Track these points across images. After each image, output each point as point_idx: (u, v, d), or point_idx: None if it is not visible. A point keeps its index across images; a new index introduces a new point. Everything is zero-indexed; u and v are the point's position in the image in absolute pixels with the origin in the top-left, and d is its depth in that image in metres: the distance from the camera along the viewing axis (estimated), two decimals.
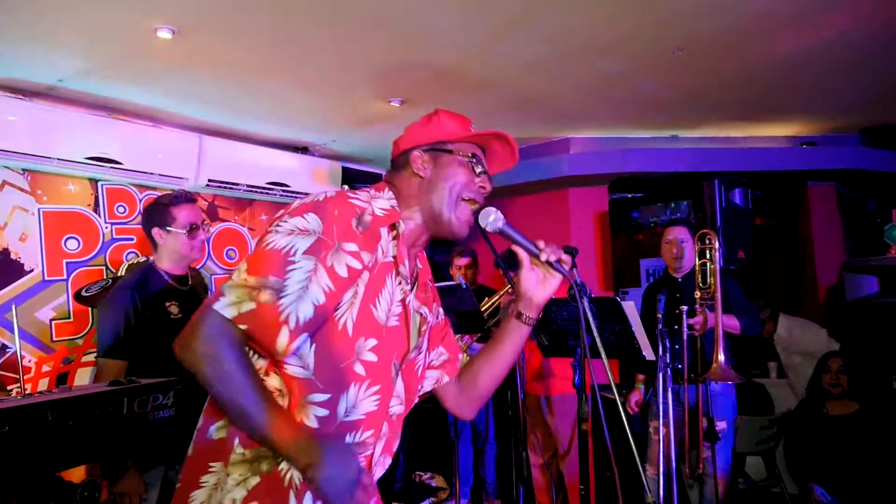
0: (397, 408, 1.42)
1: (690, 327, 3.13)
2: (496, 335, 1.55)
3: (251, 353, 1.27)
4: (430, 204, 1.43)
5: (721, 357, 3.05)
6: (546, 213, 5.45)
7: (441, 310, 1.61)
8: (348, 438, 1.30)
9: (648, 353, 2.98)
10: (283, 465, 1.23)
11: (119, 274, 3.92)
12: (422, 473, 4.72)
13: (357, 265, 1.26)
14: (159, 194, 4.48)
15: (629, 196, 6.38)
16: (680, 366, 3.17)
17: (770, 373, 4.99)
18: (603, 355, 2.01)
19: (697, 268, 3.25)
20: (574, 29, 3.24)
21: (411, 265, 1.45)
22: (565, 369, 3.81)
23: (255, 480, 1.23)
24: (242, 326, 1.18)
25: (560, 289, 1.51)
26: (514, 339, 1.53)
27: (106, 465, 2.37)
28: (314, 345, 1.26)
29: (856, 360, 3.93)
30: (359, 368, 1.29)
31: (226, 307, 1.18)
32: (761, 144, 5.21)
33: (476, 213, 1.45)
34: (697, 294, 3.21)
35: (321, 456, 1.19)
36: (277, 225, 1.26)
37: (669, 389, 3.11)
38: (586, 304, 2.58)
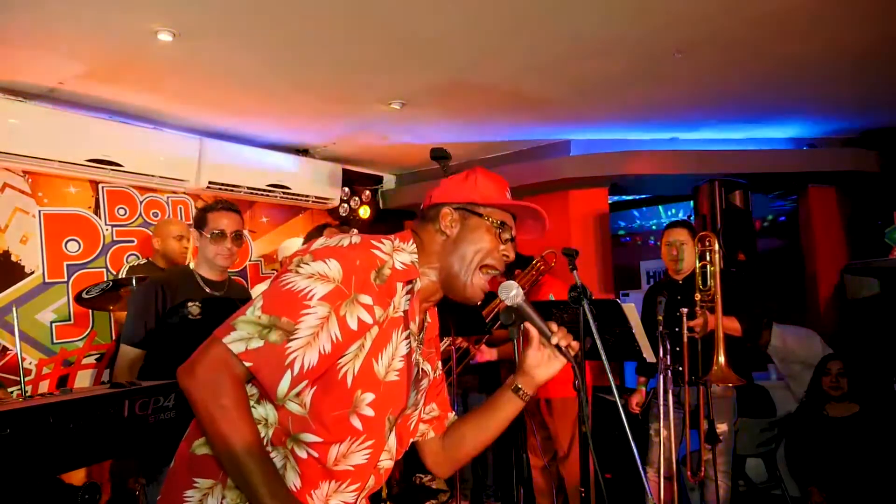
0: (386, 462, 1.41)
1: (691, 329, 3.13)
2: (489, 404, 1.53)
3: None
4: (451, 264, 1.41)
5: (721, 359, 3.04)
6: (546, 215, 5.45)
7: (440, 364, 1.60)
8: (332, 487, 1.30)
9: (649, 356, 2.98)
10: None
11: (120, 276, 3.92)
12: (422, 476, 4.72)
13: (368, 319, 1.26)
14: (160, 196, 4.53)
15: (630, 198, 6.40)
16: (681, 368, 3.17)
17: (770, 375, 4.99)
18: (604, 357, 2.01)
19: (698, 270, 3.25)
20: (574, 32, 3.24)
21: (420, 319, 1.43)
22: (565, 372, 3.81)
23: None
24: (247, 364, 1.17)
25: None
26: (506, 411, 1.51)
27: (113, 467, 2.44)
28: (314, 388, 1.26)
29: (856, 362, 3.93)
30: (355, 421, 1.29)
31: (234, 341, 1.18)
32: (761, 146, 5.21)
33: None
34: (698, 296, 3.21)
35: None
36: (299, 266, 1.24)
37: (670, 391, 3.10)
38: (587, 306, 2.58)
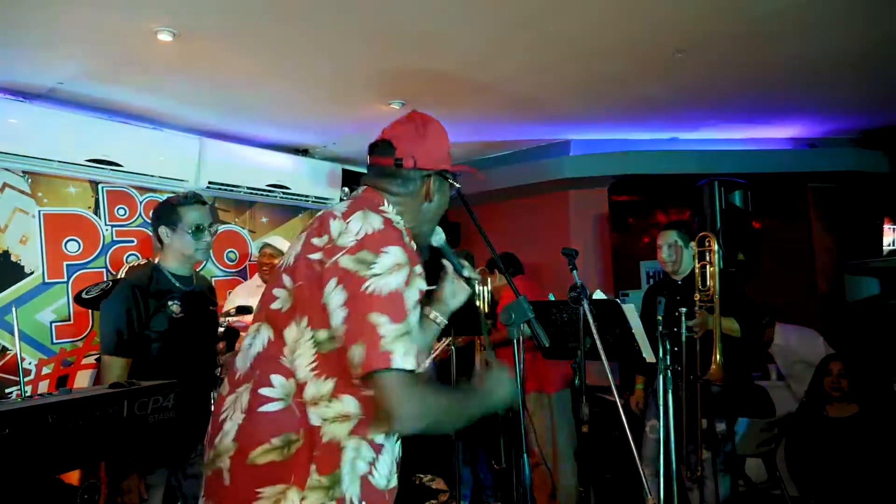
0: None
1: (689, 329, 3.13)
2: None
3: (323, 376, 1.32)
4: (422, 223, 1.57)
5: (720, 358, 3.04)
6: (546, 215, 5.46)
7: None
8: (396, 453, 1.45)
9: (649, 355, 2.98)
10: (345, 489, 1.30)
11: (119, 276, 3.91)
12: (422, 476, 4.72)
13: (424, 285, 1.41)
14: (160, 196, 4.52)
15: (629, 198, 6.39)
16: (679, 367, 3.17)
17: (770, 375, 4.98)
18: (603, 357, 2.02)
19: (697, 270, 3.25)
20: (575, 32, 3.25)
21: None
22: (557, 368, 3.81)
23: None
24: (420, 371, 1.29)
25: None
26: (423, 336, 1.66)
27: (109, 466, 2.38)
28: None
29: (856, 363, 3.92)
30: None
31: (404, 360, 1.25)
32: (761, 146, 5.21)
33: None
34: (697, 296, 3.21)
35: (504, 383, 1.48)
36: (370, 266, 1.29)
37: (669, 391, 3.11)
38: (587, 306, 2.58)
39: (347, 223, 1.36)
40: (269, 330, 1.40)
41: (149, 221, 4.43)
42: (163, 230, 2.46)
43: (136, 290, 2.35)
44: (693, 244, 3.43)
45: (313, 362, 1.33)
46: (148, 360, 2.33)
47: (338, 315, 1.29)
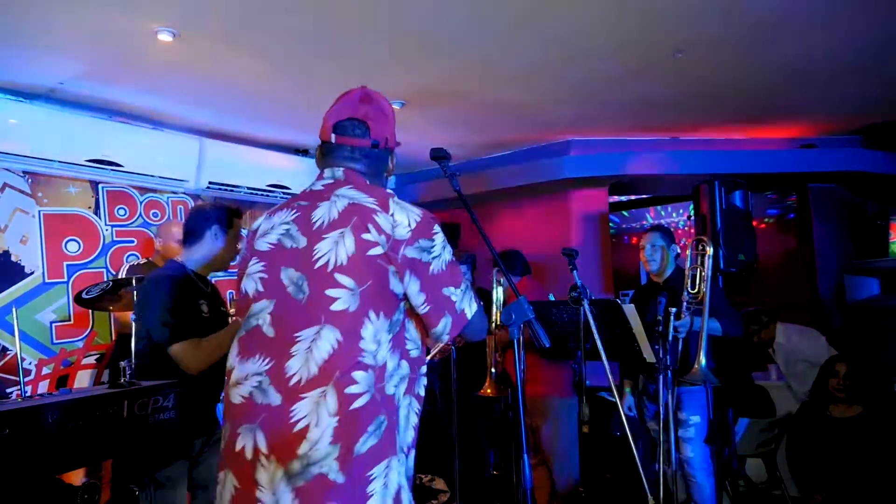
0: None
1: (675, 329, 3.15)
2: None
3: (395, 351, 1.48)
4: None
5: (703, 360, 3.07)
6: (546, 216, 5.45)
7: None
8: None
9: (649, 356, 2.98)
10: (402, 440, 1.49)
11: (120, 275, 3.91)
12: (422, 476, 4.72)
13: None
14: (160, 196, 4.52)
15: (630, 198, 6.40)
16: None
17: (770, 374, 4.98)
18: (604, 357, 2.02)
19: (687, 272, 3.28)
20: (575, 32, 3.25)
21: None
22: (553, 370, 3.81)
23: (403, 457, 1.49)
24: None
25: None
26: None
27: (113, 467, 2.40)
28: (418, 328, 1.57)
29: (858, 363, 3.92)
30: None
31: (471, 310, 1.54)
32: (761, 146, 5.21)
33: None
34: (685, 297, 3.24)
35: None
36: (430, 251, 1.48)
37: (669, 391, 3.12)
38: (587, 306, 2.58)
39: (392, 215, 1.46)
40: (335, 331, 1.40)
41: (149, 221, 4.45)
42: (215, 229, 2.49)
43: (179, 284, 2.40)
44: (672, 246, 3.51)
45: (389, 345, 1.46)
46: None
47: (418, 298, 1.47)
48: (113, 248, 4.27)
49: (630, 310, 2.93)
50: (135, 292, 2.47)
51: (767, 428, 4.20)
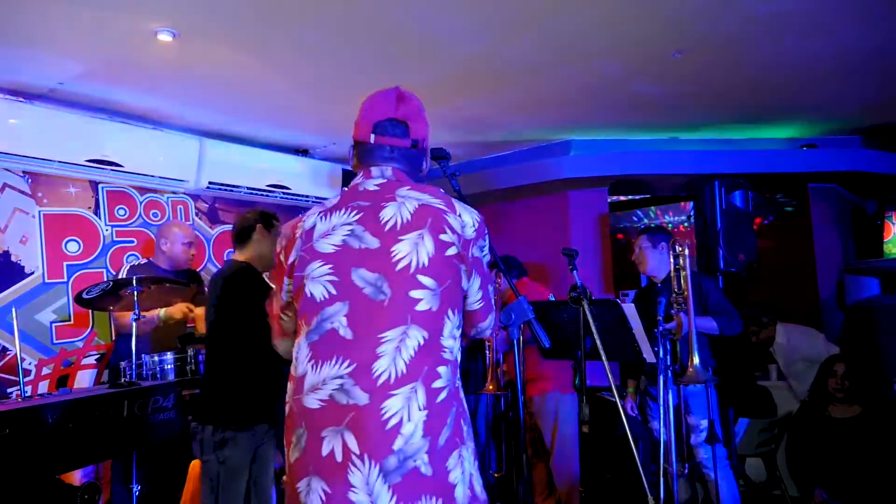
0: None
1: (669, 331, 3.17)
2: None
3: (460, 342, 1.56)
4: None
5: (696, 360, 3.08)
6: (546, 216, 5.45)
7: None
8: None
9: (649, 356, 2.98)
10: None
11: (120, 276, 3.91)
12: None
13: None
14: (160, 196, 4.52)
15: (630, 198, 6.40)
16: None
17: (771, 374, 4.98)
18: (604, 357, 2.01)
19: (672, 274, 3.30)
20: (574, 32, 3.24)
21: None
22: (545, 369, 3.81)
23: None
24: None
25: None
26: None
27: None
28: None
29: (857, 363, 3.92)
30: None
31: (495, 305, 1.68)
32: (761, 146, 5.21)
33: None
34: (673, 299, 3.25)
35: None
36: (483, 250, 1.60)
37: (671, 390, 3.13)
38: (587, 306, 2.58)
39: (459, 216, 1.54)
40: (421, 331, 1.45)
41: (149, 221, 4.45)
42: (260, 228, 2.72)
43: (261, 279, 2.67)
44: (662, 246, 3.54)
45: (459, 339, 1.55)
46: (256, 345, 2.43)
47: (477, 295, 1.59)
48: (113, 249, 4.27)
49: (630, 310, 2.93)
50: (206, 287, 2.82)
51: (767, 428, 4.20)
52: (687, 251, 3.29)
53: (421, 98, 1.73)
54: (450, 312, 1.50)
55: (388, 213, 1.50)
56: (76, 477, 3.25)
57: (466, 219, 1.54)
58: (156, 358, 3.17)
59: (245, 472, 2.50)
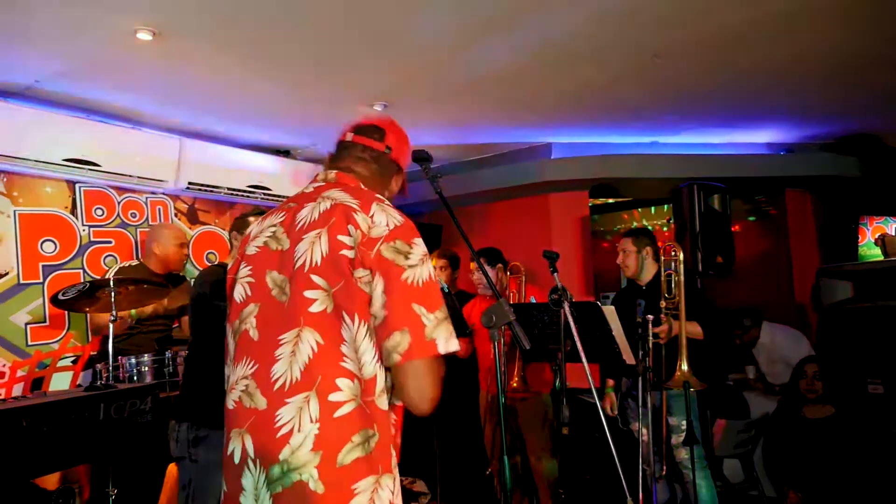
0: None
1: (656, 335, 3.19)
2: None
3: (370, 345, 1.39)
4: None
5: (685, 366, 3.11)
6: (527, 218, 5.48)
7: None
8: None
9: (629, 358, 3.01)
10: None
11: (109, 276, 3.86)
12: (402, 478, 4.71)
13: None
14: (138, 197, 4.48)
15: (610, 201, 6.45)
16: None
17: (748, 376, 5.04)
18: (584, 359, 2.02)
19: (663, 278, 3.31)
20: (555, 36, 3.27)
21: None
22: (538, 372, 3.82)
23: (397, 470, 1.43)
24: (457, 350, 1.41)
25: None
26: None
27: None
28: None
29: (831, 364, 3.98)
30: None
31: (447, 345, 1.37)
32: (739, 151, 5.28)
33: None
34: (663, 303, 3.27)
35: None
36: (407, 256, 1.39)
37: (640, 393, 3.16)
38: (567, 308, 2.59)
39: (371, 216, 1.42)
40: (315, 334, 1.38)
41: (127, 222, 4.41)
42: (234, 234, 2.76)
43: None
44: (647, 250, 3.53)
45: (375, 354, 1.38)
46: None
47: (378, 301, 1.36)
48: (90, 249, 4.21)
49: (610, 311, 2.95)
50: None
51: (745, 429, 4.25)
52: (682, 255, 3.29)
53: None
54: (346, 317, 1.37)
55: (303, 214, 1.49)
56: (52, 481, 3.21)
57: (379, 218, 1.41)
58: (133, 360, 3.14)
59: (219, 471, 2.47)
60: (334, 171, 1.59)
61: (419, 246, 1.41)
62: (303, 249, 1.43)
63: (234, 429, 1.44)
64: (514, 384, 3.68)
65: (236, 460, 1.41)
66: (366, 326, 1.37)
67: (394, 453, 1.43)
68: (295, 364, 1.38)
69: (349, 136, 1.65)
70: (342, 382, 1.36)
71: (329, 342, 1.38)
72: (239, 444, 1.41)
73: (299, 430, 1.34)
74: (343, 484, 1.32)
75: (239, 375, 1.46)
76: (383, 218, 1.41)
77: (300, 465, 1.33)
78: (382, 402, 1.40)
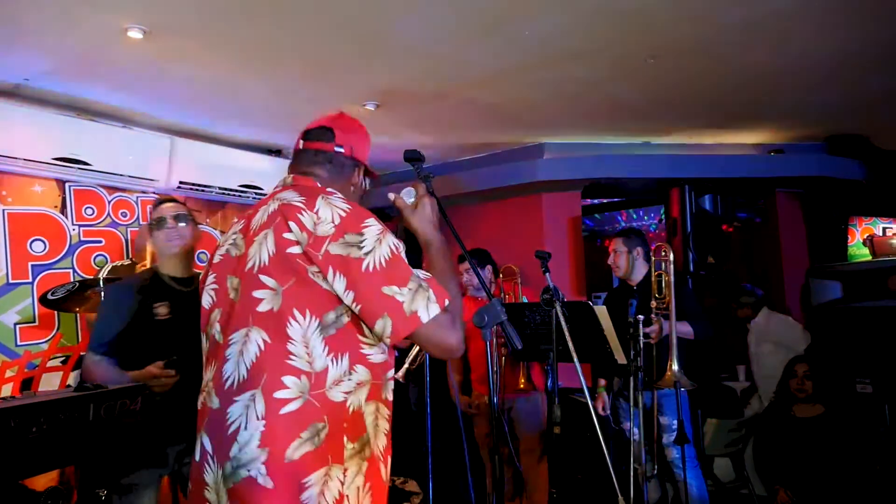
0: None
1: (646, 335, 3.20)
2: None
3: (338, 356, 1.41)
4: None
5: (675, 366, 3.12)
6: (519, 218, 5.48)
7: None
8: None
9: (620, 357, 3.01)
10: (374, 446, 1.45)
11: (101, 276, 3.84)
12: (395, 478, 4.70)
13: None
14: (129, 196, 4.45)
15: (602, 201, 6.46)
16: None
17: (738, 375, 5.07)
18: (575, 359, 2.02)
19: (654, 278, 3.33)
20: (547, 36, 3.27)
21: None
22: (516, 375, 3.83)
23: (366, 465, 1.42)
24: (447, 307, 1.42)
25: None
26: None
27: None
28: None
29: (821, 364, 4.01)
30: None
31: (430, 311, 1.38)
32: (731, 151, 5.30)
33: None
34: (653, 304, 3.29)
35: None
36: (358, 245, 1.38)
37: (640, 392, 3.17)
38: (559, 308, 2.60)
39: (316, 212, 1.42)
40: (261, 333, 1.41)
41: (117, 221, 4.38)
42: (150, 238, 2.58)
43: (134, 289, 2.43)
44: (638, 250, 3.55)
45: (325, 348, 1.39)
46: (128, 361, 2.31)
47: (347, 297, 1.38)
48: (80, 249, 4.18)
49: (601, 311, 2.96)
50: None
51: (735, 428, 4.28)
52: (672, 256, 3.31)
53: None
54: (297, 314, 1.38)
55: (256, 218, 1.53)
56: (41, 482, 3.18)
57: (324, 215, 1.41)
58: None
59: (147, 494, 2.39)
60: (292, 175, 1.66)
61: (371, 227, 1.41)
62: (253, 251, 1.48)
63: (199, 429, 1.50)
64: (521, 385, 3.71)
65: (197, 458, 1.47)
66: (317, 322, 1.39)
67: (381, 441, 1.48)
68: (242, 363, 1.42)
69: (300, 144, 1.71)
70: (288, 380, 1.38)
71: (276, 340, 1.40)
72: (200, 444, 1.47)
73: (245, 428, 1.37)
74: (293, 479, 1.35)
75: (206, 378, 1.53)
76: (328, 213, 1.42)
77: (248, 462, 1.36)
78: (334, 394, 1.40)
